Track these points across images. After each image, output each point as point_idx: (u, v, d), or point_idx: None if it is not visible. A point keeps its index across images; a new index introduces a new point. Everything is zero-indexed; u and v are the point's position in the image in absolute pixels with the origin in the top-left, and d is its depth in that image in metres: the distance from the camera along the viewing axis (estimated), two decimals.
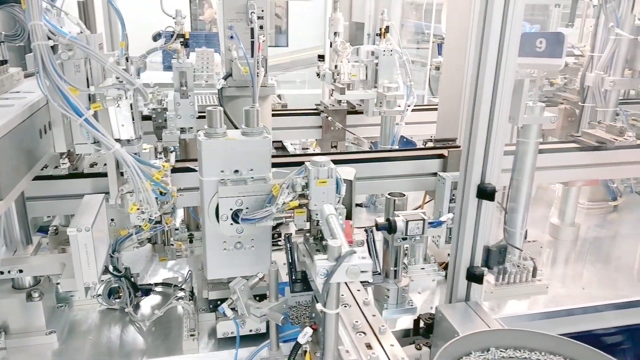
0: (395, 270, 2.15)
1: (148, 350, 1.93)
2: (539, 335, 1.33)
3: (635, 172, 2.90)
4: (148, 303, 2.19)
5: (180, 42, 2.24)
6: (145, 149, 1.72)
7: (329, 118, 3.28)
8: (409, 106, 3.09)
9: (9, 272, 1.75)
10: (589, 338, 2.21)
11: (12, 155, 1.31)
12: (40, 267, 1.78)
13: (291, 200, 1.72)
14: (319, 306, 1.18)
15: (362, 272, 1.12)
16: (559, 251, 2.75)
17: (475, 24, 1.79)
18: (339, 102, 3.32)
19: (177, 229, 2.60)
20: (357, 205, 3.15)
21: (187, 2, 8.59)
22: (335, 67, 3.34)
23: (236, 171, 1.76)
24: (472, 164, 1.78)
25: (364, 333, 1.27)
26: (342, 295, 1.40)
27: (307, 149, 3.73)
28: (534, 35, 2.22)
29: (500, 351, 1.27)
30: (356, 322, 1.29)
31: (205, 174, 1.75)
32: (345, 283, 1.49)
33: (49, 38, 1.33)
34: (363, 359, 1.18)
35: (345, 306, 1.36)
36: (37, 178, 2.05)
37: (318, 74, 3.62)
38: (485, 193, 1.79)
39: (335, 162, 2.26)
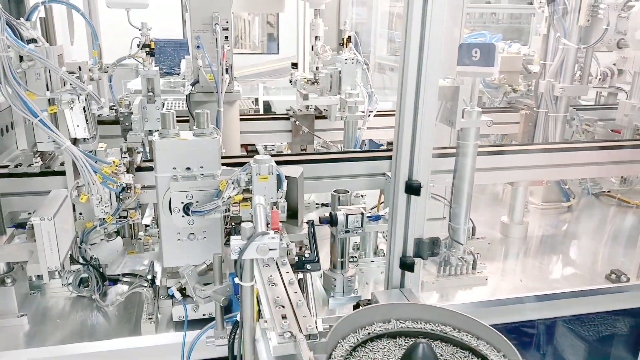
0: (342, 261, 2.33)
1: (112, 332, 2.11)
2: (433, 308, 1.51)
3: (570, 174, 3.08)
4: (115, 291, 2.37)
5: (146, 51, 2.43)
6: (100, 147, 1.91)
7: (297, 122, 3.47)
8: (370, 111, 3.28)
9: None
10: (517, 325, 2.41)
11: None
12: (11, 254, 1.97)
13: (236, 195, 1.91)
14: (236, 280, 1.37)
15: (270, 249, 1.31)
16: (505, 247, 2.93)
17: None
18: (307, 107, 3.52)
19: (147, 226, 2.79)
20: (323, 204, 3.34)
21: (179, 10, 8.82)
22: (317, 68, 3.52)
23: (188, 168, 1.96)
24: (399, 162, 1.97)
25: (283, 307, 1.45)
26: (271, 275, 1.59)
27: (282, 152, 3.93)
28: (470, 45, 2.40)
29: (400, 322, 1.45)
30: (277, 297, 1.47)
31: (159, 170, 1.94)
32: (278, 267, 1.68)
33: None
34: (277, 328, 1.36)
35: (272, 285, 1.55)
36: (11, 175, 2.26)
37: (291, 81, 3.82)
38: (412, 188, 1.98)
39: (298, 162, 2.47)
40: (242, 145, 3.45)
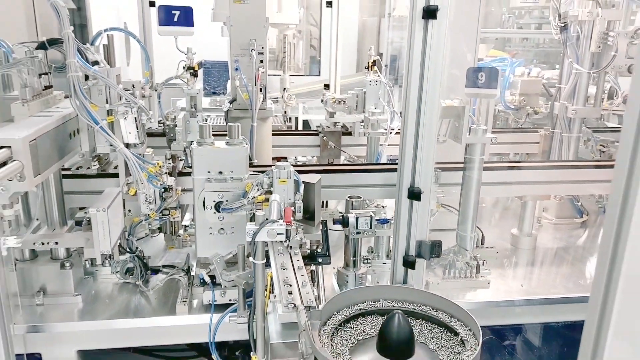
0: (354, 260, 2.60)
1: (151, 312, 2.45)
2: (416, 291, 1.76)
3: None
4: (156, 279, 2.71)
5: (190, 72, 2.80)
6: (148, 152, 2.27)
7: (325, 138, 3.78)
8: (392, 129, 3.55)
9: (48, 243, 2.31)
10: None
11: (48, 147, 1.89)
12: (70, 241, 2.34)
13: (259, 195, 2.23)
14: (250, 258, 1.67)
15: (278, 234, 1.61)
16: (513, 257, 3.12)
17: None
18: (334, 124, 3.83)
19: (187, 226, 3.15)
20: None
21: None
22: None
23: (220, 172, 2.29)
24: (403, 171, 2.24)
25: (290, 285, 1.74)
26: (283, 262, 1.88)
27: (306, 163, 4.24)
28: (477, 69, 2.66)
29: (387, 302, 1.71)
30: (286, 278, 1.76)
31: (196, 173, 2.29)
32: (290, 256, 1.98)
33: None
34: (283, 300, 1.65)
35: (284, 269, 1.84)
36: (73, 176, 2.66)
37: (322, 100, 4.15)
38: (414, 194, 2.24)
39: (318, 171, 2.76)
40: (274, 158, 3.79)
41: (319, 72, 10.51)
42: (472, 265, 2.75)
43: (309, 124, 7.46)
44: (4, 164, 1.57)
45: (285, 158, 4.08)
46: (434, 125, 2.23)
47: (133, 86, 2.23)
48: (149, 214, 2.45)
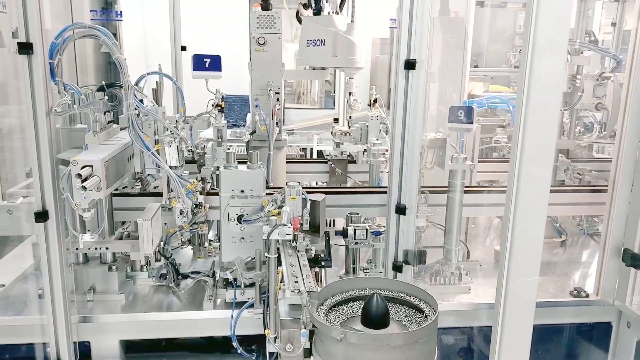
0: (353, 267, 3.07)
1: (182, 308, 2.93)
2: (395, 281, 2.23)
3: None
4: (186, 282, 3.20)
5: (218, 109, 3.35)
6: (185, 172, 2.80)
7: (332, 165, 4.30)
8: None
9: (100, 248, 2.82)
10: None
11: (115, 167, 2.43)
12: (118, 247, 2.85)
13: (274, 209, 2.73)
14: (265, 253, 2.16)
15: (287, 234, 2.10)
16: (495, 269, 3.55)
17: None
18: (342, 153, 4.34)
19: (212, 240, 3.65)
20: None
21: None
22: (350, 117, 4.38)
23: (242, 191, 2.80)
24: (391, 191, 2.73)
25: (297, 277, 2.22)
26: (292, 262, 2.37)
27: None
28: (457, 107, 3.16)
29: (373, 289, 2.17)
30: (294, 272, 2.25)
31: (222, 192, 2.79)
32: (298, 258, 2.47)
33: (136, 108, 2.45)
34: (290, 287, 2.13)
35: (292, 266, 2.33)
36: (120, 195, 3.19)
37: (332, 132, 4.67)
38: (400, 209, 2.73)
39: (327, 193, 3.24)
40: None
41: (334, 105, 11.12)
42: (455, 274, 3.20)
43: (323, 153, 8.01)
44: (87, 178, 2.11)
45: (298, 182, 4.58)
46: (415, 154, 2.72)
47: (177, 121, 2.77)
48: (182, 226, 2.96)
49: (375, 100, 4.18)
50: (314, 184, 4.69)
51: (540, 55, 1.79)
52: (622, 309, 3.03)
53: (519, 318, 2.06)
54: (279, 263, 2.38)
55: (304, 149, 6.37)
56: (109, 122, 2.62)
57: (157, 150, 2.53)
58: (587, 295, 3.09)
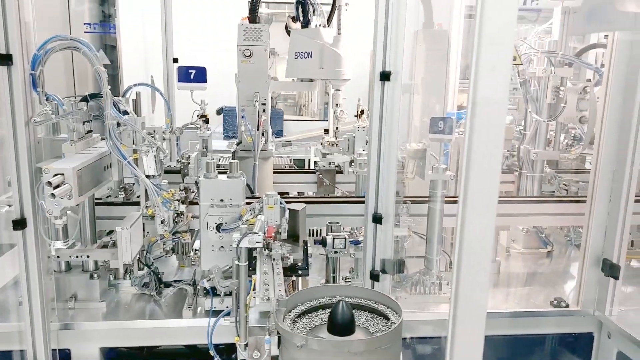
0: (333, 276, 3.09)
1: (162, 316, 2.96)
2: (363, 289, 2.24)
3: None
4: (167, 292, 3.22)
5: (202, 120, 3.39)
6: (164, 182, 2.83)
7: (320, 175, 4.33)
8: None
9: (81, 256, 2.85)
10: None
11: (89, 175, 2.47)
12: (99, 255, 2.88)
13: (252, 218, 2.76)
14: (235, 261, 2.18)
15: (256, 242, 2.13)
16: None
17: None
18: (329, 163, 4.37)
19: (197, 250, 3.67)
20: None
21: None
22: (337, 128, 4.42)
23: (221, 200, 2.83)
24: (369, 201, 2.76)
25: (268, 284, 2.25)
26: (266, 270, 2.40)
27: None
28: (438, 118, 3.18)
29: (341, 297, 2.18)
30: (266, 280, 2.27)
31: (202, 200, 2.82)
32: (273, 266, 2.49)
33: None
34: (260, 294, 2.15)
35: (265, 274, 2.35)
36: (103, 204, 3.22)
37: (321, 143, 4.71)
38: (377, 218, 2.75)
39: (308, 202, 3.26)
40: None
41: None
42: (435, 283, 3.21)
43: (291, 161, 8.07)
44: (58, 186, 2.15)
45: (287, 193, 4.62)
46: (392, 164, 2.75)
47: (154, 131, 2.81)
48: (163, 235, 2.99)
49: (362, 112, 4.22)
50: (308, 194, 4.72)
51: (485, 74, 1.83)
52: (602, 320, 3.03)
53: (470, 328, 2.07)
54: (255, 271, 2.41)
55: (301, 160, 6.39)
56: (88, 131, 2.66)
57: (136, 160, 2.57)
58: (567, 306, 3.09)
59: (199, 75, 3.38)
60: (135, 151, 2.59)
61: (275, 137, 6.07)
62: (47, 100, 2.58)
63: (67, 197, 2.20)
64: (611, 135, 2.87)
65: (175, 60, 4.81)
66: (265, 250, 2.43)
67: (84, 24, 4.60)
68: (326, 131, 5.07)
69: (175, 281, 3.32)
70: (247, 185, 3.74)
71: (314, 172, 4.45)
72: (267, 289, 2.20)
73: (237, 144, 3.83)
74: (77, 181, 2.27)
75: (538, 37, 3.82)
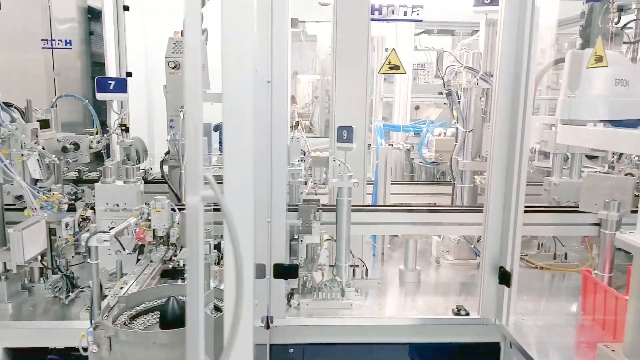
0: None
1: (64, 316, 3.03)
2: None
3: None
4: (71, 295, 3.28)
5: (122, 128, 3.51)
6: (54, 186, 2.93)
7: None
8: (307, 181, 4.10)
9: None
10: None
11: None
12: (3, 257, 2.98)
13: (142, 222, 2.83)
14: (87, 260, 2.26)
15: (104, 241, 2.20)
16: (393, 288, 3.55)
17: None
18: None
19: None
20: None
21: None
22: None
23: (117, 204, 2.92)
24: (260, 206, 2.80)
25: (127, 284, 2.31)
26: (134, 273, 2.46)
27: None
28: (344, 127, 3.22)
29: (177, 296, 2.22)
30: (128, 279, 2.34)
31: (97, 204, 2.92)
32: (144, 270, 2.55)
33: None
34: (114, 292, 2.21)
35: (133, 273, 2.42)
36: (15, 209, 3.32)
37: None
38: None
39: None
40: None
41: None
42: (337, 290, 3.21)
43: None
44: None
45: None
46: (282, 170, 2.81)
47: (37, 136, 2.94)
48: (67, 238, 3.08)
49: (297, 123, 4.28)
50: None
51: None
52: (501, 329, 2.99)
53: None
54: None
55: None
56: None
57: (22, 164, 2.68)
58: (467, 314, 3.06)
59: (119, 86, 3.51)
60: (22, 155, 2.71)
61: None
62: None
63: None
64: (502, 147, 2.88)
65: (129, 75, 4.96)
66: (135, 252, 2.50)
67: (42, 40, 4.81)
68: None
69: (88, 286, 3.40)
70: (175, 193, 3.83)
71: None
72: (121, 288, 2.26)
73: (165, 154, 3.93)
74: None
75: (465, 50, 3.84)
